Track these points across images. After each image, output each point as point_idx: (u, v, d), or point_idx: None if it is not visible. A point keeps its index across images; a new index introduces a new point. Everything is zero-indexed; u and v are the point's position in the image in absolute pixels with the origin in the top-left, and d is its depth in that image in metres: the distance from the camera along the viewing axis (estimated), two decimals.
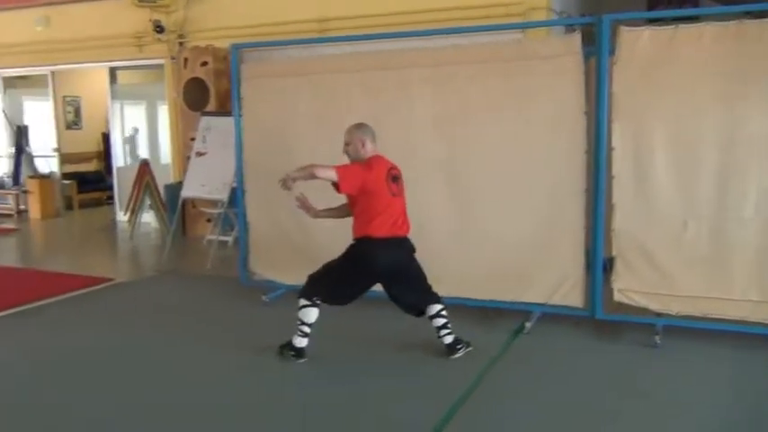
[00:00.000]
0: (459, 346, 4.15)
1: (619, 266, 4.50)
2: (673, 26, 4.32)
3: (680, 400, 3.58)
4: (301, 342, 4.14)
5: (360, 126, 4.12)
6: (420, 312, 4.20)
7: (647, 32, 4.35)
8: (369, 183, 3.94)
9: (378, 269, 4.04)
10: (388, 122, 5.08)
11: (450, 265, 4.87)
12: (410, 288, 4.16)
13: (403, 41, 5.44)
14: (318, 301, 4.13)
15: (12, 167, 11.09)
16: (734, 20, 4.19)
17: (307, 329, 4.12)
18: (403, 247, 4.10)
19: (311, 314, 4.11)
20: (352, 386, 3.85)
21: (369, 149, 4.07)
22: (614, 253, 4.50)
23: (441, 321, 4.14)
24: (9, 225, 10.14)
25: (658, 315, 4.48)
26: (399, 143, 5.04)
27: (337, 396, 3.70)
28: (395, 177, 4.07)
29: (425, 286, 4.19)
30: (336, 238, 5.30)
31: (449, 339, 4.15)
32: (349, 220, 5.22)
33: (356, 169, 3.99)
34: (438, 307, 4.14)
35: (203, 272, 6.70)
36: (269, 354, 4.31)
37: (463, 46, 4.98)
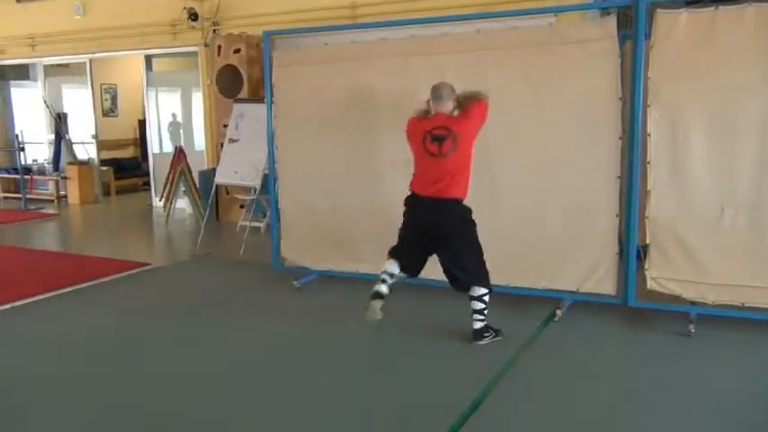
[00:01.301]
0: (486, 334, 4.15)
1: (653, 254, 4.43)
2: (712, 8, 4.20)
3: (713, 390, 3.53)
4: None
5: (433, 86, 4.26)
6: (465, 289, 4.19)
7: (684, 15, 4.24)
8: (409, 140, 4.29)
9: (409, 220, 4.28)
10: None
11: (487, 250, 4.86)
12: (452, 258, 4.17)
13: (434, 27, 5.40)
14: (391, 256, 4.34)
15: (52, 154, 11.36)
16: None
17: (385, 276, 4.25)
18: (434, 209, 4.12)
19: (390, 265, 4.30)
20: (384, 370, 3.88)
21: (432, 108, 4.23)
22: (648, 240, 4.43)
23: (478, 306, 4.12)
24: (49, 210, 10.40)
25: (692, 303, 4.41)
26: None
27: (359, 380, 3.73)
28: (435, 137, 4.09)
29: (473, 264, 4.16)
30: (369, 225, 5.36)
31: (478, 325, 4.15)
32: (378, 210, 5.28)
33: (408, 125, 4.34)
34: (481, 291, 4.12)
35: (236, 257, 6.80)
36: (301, 337, 4.37)
37: (496, 31, 4.92)
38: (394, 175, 5.13)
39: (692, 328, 4.23)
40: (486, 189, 4.93)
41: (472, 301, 4.14)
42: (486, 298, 4.14)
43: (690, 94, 4.25)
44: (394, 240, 5.25)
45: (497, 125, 4.82)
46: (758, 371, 3.76)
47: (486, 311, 4.15)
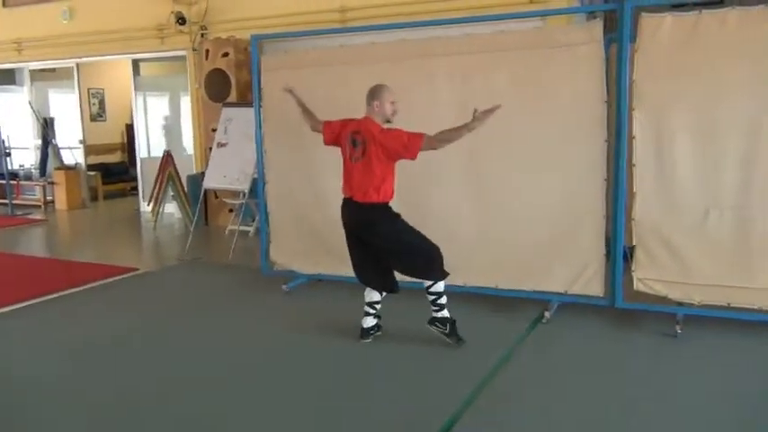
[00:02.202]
0: (439, 326, 4.17)
1: (639, 255, 4.47)
2: (696, 12, 4.25)
3: (700, 390, 3.56)
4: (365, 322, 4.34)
5: None
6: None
7: (668, 18, 4.28)
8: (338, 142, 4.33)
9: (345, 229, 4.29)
10: (409, 112, 5.08)
11: (469, 255, 4.88)
12: (392, 260, 4.21)
13: (423, 31, 5.43)
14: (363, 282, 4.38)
15: (39, 159, 11.29)
16: (760, 4, 4.11)
17: (367, 308, 4.34)
18: (352, 212, 4.19)
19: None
20: (368, 374, 3.89)
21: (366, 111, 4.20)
22: (635, 242, 4.47)
23: (430, 297, 4.16)
24: (36, 216, 10.34)
25: (679, 304, 4.45)
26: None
27: (352, 381, 3.74)
28: (355, 142, 4.13)
29: (411, 260, 4.15)
30: None
31: (437, 314, 4.18)
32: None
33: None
34: (427, 282, 4.14)
35: (225, 262, 6.78)
36: (291, 341, 4.37)
37: (484, 35, 4.94)
38: None
39: (678, 328, 4.27)
40: (474, 191, 4.96)
41: (427, 293, 4.17)
42: (435, 288, 4.12)
43: (674, 96, 4.29)
44: None
45: (485, 129, 4.84)
46: (745, 371, 3.79)
47: (439, 301, 4.14)
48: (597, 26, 4.50)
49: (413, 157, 4.00)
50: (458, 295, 4.69)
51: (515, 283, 4.86)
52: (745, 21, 4.12)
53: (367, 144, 4.06)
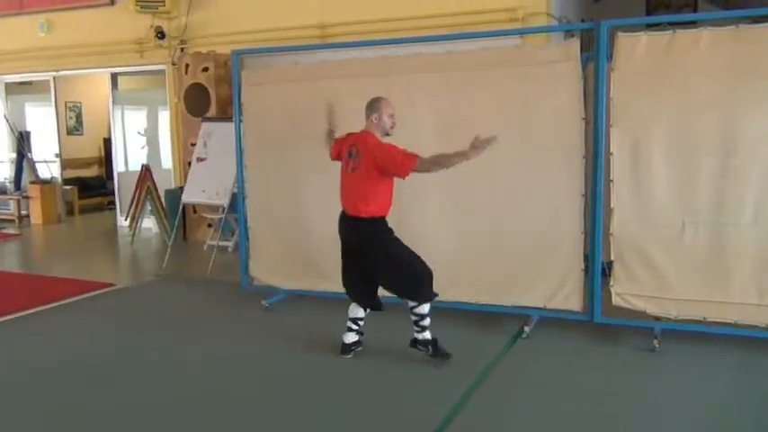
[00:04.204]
0: (421, 348, 4.14)
1: (617, 270, 4.52)
2: (670, 31, 4.34)
3: (679, 404, 3.59)
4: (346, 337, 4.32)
5: None
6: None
7: (644, 38, 4.37)
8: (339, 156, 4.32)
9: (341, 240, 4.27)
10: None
11: (449, 270, 4.88)
12: (379, 278, 4.18)
13: (403, 47, 5.47)
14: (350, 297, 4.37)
15: (13, 173, 11.13)
16: (732, 24, 4.22)
17: (350, 324, 4.33)
18: (343, 225, 4.19)
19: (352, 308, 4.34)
20: (345, 392, 3.86)
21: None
22: (613, 257, 4.52)
23: (413, 317, 4.13)
24: (10, 230, 10.16)
25: (657, 319, 4.49)
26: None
27: (328, 400, 3.72)
28: (351, 153, 4.14)
29: (397, 280, 4.11)
30: (339, 244, 5.35)
31: (418, 336, 4.16)
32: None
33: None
34: (411, 303, 4.09)
35: (204, 277, 6.72)
36: (266, 358, 4.33)
37: (463, 52, 4.99)
38: None
39: (656, 343, 4.31)
40: (454, 207, 4.99)
41: (410, 313, 4.13)
42: (419, 310, 4.07)
43: (650, 113, 4.37)
44: None
45: (466, 144, 4.90)
46: (722, 385, 3.83)
47: (422, 323, 4.09)
48: (574, 44, 4.58)
49: (403, 176, 3.99)
50: (439, 310, 4.68)
51: (495, 299, 4.88)
52: (718, 40, 4.22)
53: (361, 157, 4.04)
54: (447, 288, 4.85)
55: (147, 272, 7.25)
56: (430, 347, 4.11)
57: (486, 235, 4.88)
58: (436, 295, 4.09)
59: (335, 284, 5.31)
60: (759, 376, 3.92)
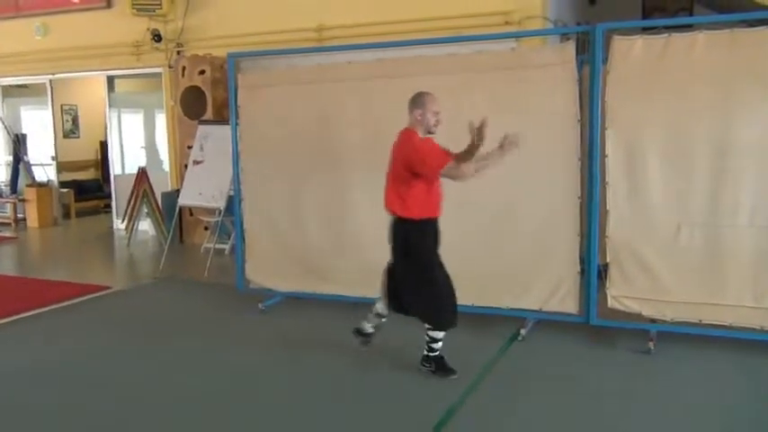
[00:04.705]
0: (426, 364, 4.04)
1: (613, 273, 4.53)
2: (666, 34, 4.36)
3: (674, 406, 3.60)
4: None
5: None
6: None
7: (639, 41, 4.39)
8: None
9: None
10: (386, 131, 5.11)
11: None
12: (398, 285, 4.06)
13: (399, 50, 5.48)
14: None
15: (9, 176, 11.11)
16: (727, 28, 4.24)
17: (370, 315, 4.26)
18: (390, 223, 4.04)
19: None
20: (352, 394, 3.87)
21: None
22: (608, 259, 4.53)
23: (426, 337, 4.00)
24: (7, 234, 10.15)
25: (652, 321, 4.51)
26: None
27: (322, 403, 3.72)
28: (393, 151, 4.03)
29: (413, 298, 3.96)
30: (335, 246, 5.37)
31: (426, 353, 4.05)
32: (345, 231, 5.30)
33: None
34: (426, 325, 3.98)
35: (200, 279, 6.72)
36: (262, 359, 4.33)
37: (460, 55, 5.01)
38: (362, 197, 5.17)
39: (651, 345, 4.32)
40: (450, 209, 4.98)
41: (426, 331, 4.01)
42: (433, 334, 3.95)
43: (645, 116, 4.38)
44: (361, 262, 5.29)
45: (461, 148, 4.91)
46: (716, 386, 3.85)
47: (433, 345, 3.98)
48: (570, 48, 4.59)
49: (429, 176, 3.82)
50: None
51: (492, 301, 4.88)
52: (713, 43, 4.24)
53: (393, 153, 3.95)
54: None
55: (143, 275, 7.25)
56: (433, 363, 4.01)
57: (483, 237, 4.88)
58: (454, 325, 3.94)
59: (332, 286, 5.37)
60: (755, 378, 3.94)
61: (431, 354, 4.03)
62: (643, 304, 4.48)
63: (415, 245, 3.90)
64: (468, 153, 3.93)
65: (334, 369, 4.20)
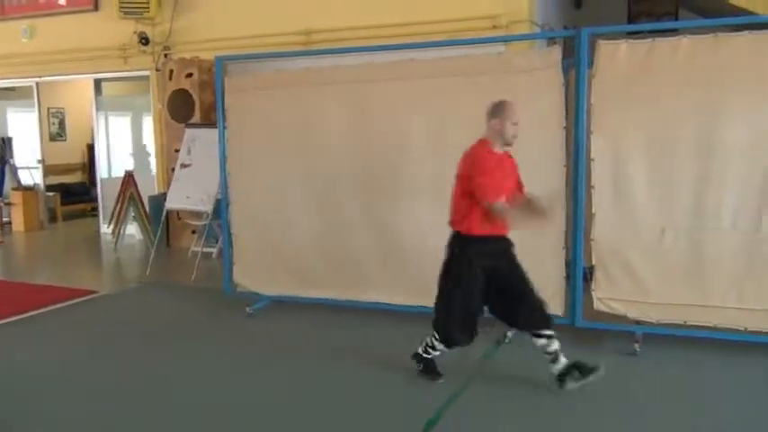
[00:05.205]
0: (419, 363, 4.04)
1: (598, 275, 4.56)
2: (650, 39, 4.40)
3: (659, 407, 3.63)
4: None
5: None
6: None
7: (624, 45, 4.43)
8: None
9: None
10: (373, 135, 5.13)
11: (434, 276, 4.92)
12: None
13: (386, 54, 5.49)
14: None
15: None
16: (711, 33, 4.28)
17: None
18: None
19: None
20: (331, 394, 3.87)
21: None
22: (594, 262, 4.56)
23: (426, 337, 3.98)
24: None
25: (638, 323, 4.54)
26: (384, 155, 5.11)
27: (320, 411, 3.72)
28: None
29: (436, 305, 3.91)
30: (323, 250, 5.37)
31: (419, 349, 4.05)
32: (333, 235, 5.29)
33: None
34: (432, 331, 3.95)
35: (188, 283, 6.69)
36: (248, 362, 4.32)
37: (447, 59, 5.03)
38: (349, 201, 5.18)
39: (637, 347, 4.35)
40: (438, 215, 4.99)
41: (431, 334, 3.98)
42: (434, 342, 3.93)
43: (630, 120, 4.42)
44: (349, 265, 5.30)
45: (447, 153, 4.91)
46: (701, 387, 3.88)
47: (431, 350, 3.97)
48: (556, 52, 4.62)
49: (480, 202, 3.67)
50: (425, 316, 4.69)
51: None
52: (697, 48, 4.28)
53: (462, 163, 3.80)
54: (430, 293, 4.90)
55: (130, 279, 7.21)
56: (423, 364, 4.03)
57: None
58: (459, 345, 3.86)
59: (320, 290, 5.37)
60: (739, 379, 3.97)
61: (424, 354, 4.02)
62: (628, 306, 4.51)
63: (459, 254, 3.80)
64: (521, 208, 3.71)
65: (320, 371, 4.20)
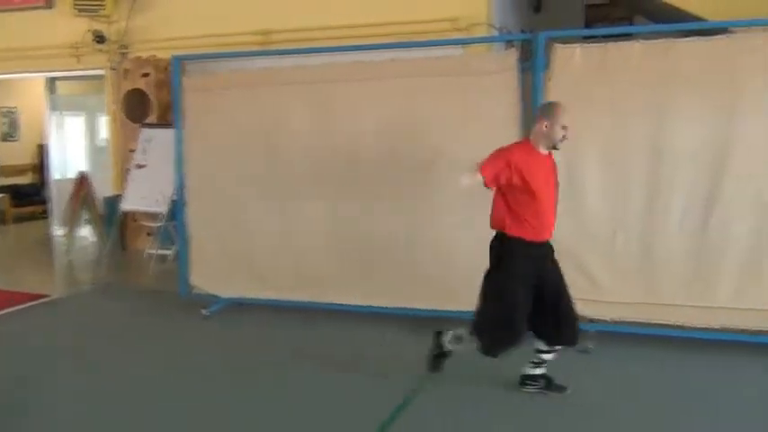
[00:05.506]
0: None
1: None
2: (604, 44, 4.48)
3: (611, 404, 3.68)
4: None
5: None
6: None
7: (579, 49, 4.50)
8: None
9: None
10: (334, 135, 5.11)
11: (391, 275, 4.94)
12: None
13: (345, 55, 5.48)
14: None
15: None
16: (664, 38, 4.38)
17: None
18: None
19: None
20: (281, 397, 3.83)
21: None
22: None
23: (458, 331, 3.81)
24: None
25: (591, 321, 4.59)
26: (343, 155, 5.09)
27: (254, 413, 3.67)
28: None
29: (479, 306, 3.71)
30: (281, 251, 5.32)
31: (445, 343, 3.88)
32: (291, 235, 5.24)
33: None
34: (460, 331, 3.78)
35: (142, 286, 6.57)
36: (200, 366, 4.28)
37: (406, 60, 5.03)
38: (308, 202, 5.16)
39: (590, 345, 4.40)
40: (396, 215, 5.01)
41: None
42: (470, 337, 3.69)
43: (584, 123, 4.47)
44: (308, 266, 5.26)
45: (404, 153, 4.94)
46: (653, 384, 3.93)
47: (455, 342, 3.80)
48: (512, 55, 4.68)
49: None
50: (383, 317, 4.71)
51: (436, 303, 4.90)
52: (649, 53, 4.38)
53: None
54: (387, 293, 4.92)
55: (83, 282, 7.04)
56: (436, 357, 3.88)
57: (428, 240, 4.92)
58: (494, 355, 3.62)
59: (278, 292, 5.32)
60: (690, 375, 4.06)
61: (442, 349, 3.84)
62: (583, 305, 4.55)
63: (496, 253, 3.66)
64: None
65: (272, 374, 4.15)
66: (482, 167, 3.50)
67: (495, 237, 3.67)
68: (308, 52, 6.06)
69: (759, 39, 4.25)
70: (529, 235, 3.55)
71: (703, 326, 4.38)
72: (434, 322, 4.87)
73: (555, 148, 3.62)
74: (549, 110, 3.60)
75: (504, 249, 3.58)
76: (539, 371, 3.80)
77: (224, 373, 4.22)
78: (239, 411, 3.64)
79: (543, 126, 3.56)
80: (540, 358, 3.77)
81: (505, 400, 3.75)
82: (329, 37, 7.20)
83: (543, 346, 3.73)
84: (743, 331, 4.35)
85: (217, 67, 6.45)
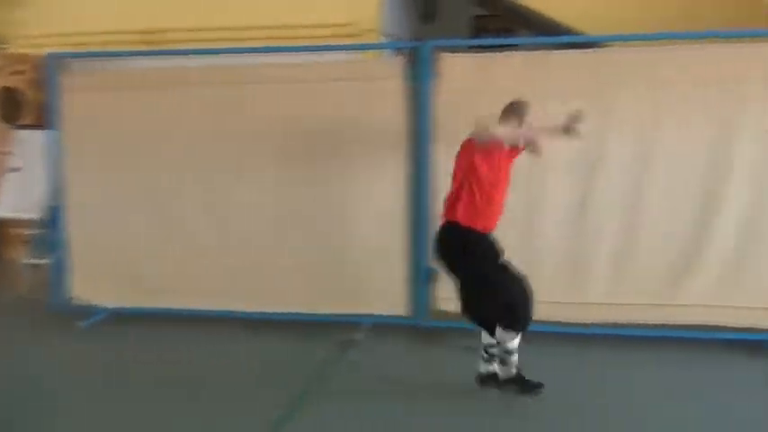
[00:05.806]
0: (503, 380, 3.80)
1: (442, 277, 4.74)
2: (488, 53, 4.69)
3: (513, 402, 3.74)
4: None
5: None
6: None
7: (464, 59, 4.69)
8: None
9: None
10: (220, 138, 5.02)
11: (278, 280, 4.91)
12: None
13: (236, 57, 5.41)
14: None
15: None
16: (542, 50, 4.64)
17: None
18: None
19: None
20: (158, 413, 3.69)
21: None
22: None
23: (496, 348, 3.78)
24: None
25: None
26: (231, 159, 5.02)
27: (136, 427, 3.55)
28: None
29: (484, 301, 3.74)
30: (166, 257, 5.15)
31: (494, 369, 3.84)
32: (176, 241, 5.10)
33: None
34: (498, 329, 3.70)
35: (14, 297, 6.15)
36: (73, 386, 4.08)
37: (293, 65, 5.03)
38: (193, 208, 5.04)
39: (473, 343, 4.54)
40: (288, 216, 5.00)
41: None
42: (509, 345, 3.67)
43: (470, 130, 4.63)
44: (196, 272, 5.13)
45: (297, 159, 4.94)
46: (563, 380, 3.94)
47: (508, 356, 3.70)
48: (398, 62, 4.79)
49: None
50: (269, 323, 4.66)
51: (325, 308, 4.93)
52: (529, 64, 4.63)
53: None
54: (274, 298, 4.89)
55: None
56: (513, 383, 3.78)
57: (319, 245, 4.95)
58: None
59: (162, 299, 5.14)
60: (597, 370, 4.22)
61: (512, 376, 3.74)
62: None
63: (473, 243, 3.72)
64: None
65: (148, 388, 3.99)
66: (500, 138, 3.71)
67: (457, 231, 3.70)
68: (197, 53, 5.98)
69: (618, 53, 4.69)
70: (489, 226, 3.75)
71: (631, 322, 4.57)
72: (325, 326, 4.92)
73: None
74: (522, 108, 3.88)
75: (471, 240, 3.69)
76: (490, 370, 3.83)
77: (96, 384, 4.02)
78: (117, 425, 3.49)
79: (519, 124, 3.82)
80: (490, 353, 3.83)
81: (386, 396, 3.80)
82: (214, 39, 7.07)
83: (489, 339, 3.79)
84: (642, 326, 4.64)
85: (102, 66, 6.17)
